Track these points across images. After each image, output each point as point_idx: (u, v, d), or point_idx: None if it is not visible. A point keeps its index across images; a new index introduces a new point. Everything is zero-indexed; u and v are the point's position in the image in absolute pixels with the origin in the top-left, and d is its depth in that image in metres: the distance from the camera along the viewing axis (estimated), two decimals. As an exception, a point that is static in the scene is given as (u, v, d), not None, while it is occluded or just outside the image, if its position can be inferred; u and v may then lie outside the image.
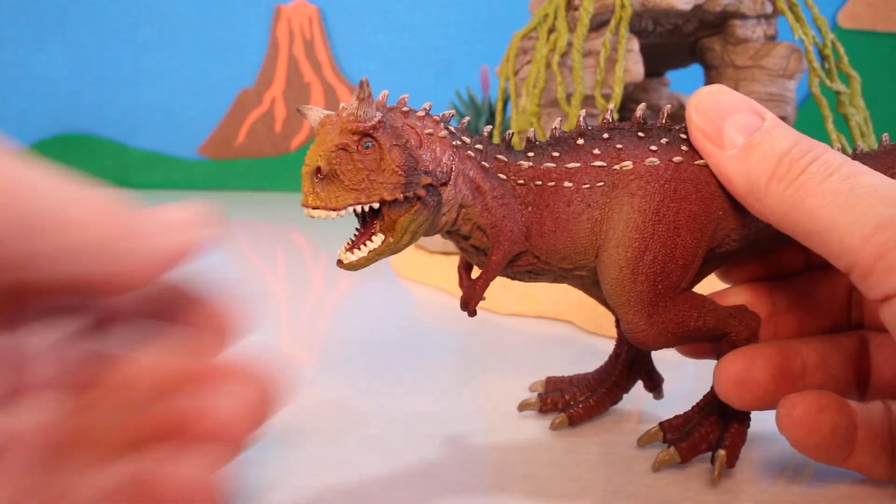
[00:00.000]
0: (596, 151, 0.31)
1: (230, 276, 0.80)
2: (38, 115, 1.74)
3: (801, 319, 0.34)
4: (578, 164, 0.31)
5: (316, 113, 0.30)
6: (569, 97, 0.65)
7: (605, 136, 0.31)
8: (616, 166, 0.31)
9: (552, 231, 0.31)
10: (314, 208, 0.28)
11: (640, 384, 0.40)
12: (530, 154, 0.32)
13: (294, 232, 1.11)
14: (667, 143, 0.31)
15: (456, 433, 0.37)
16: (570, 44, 0.65)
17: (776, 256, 0.35)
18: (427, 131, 0.30)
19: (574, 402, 0.39)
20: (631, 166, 0.30)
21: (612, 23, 0.61)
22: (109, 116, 1.75)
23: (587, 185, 0.31)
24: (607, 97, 0.63)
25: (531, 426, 0.38)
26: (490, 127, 0.32)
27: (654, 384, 0.39)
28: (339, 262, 0.29)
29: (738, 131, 0.28)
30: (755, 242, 0.32)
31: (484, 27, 1.68)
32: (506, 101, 0.81)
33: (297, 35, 1.71)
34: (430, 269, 0.72)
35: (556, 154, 0.31)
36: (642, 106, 0.32)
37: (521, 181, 0.31)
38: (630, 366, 0.39)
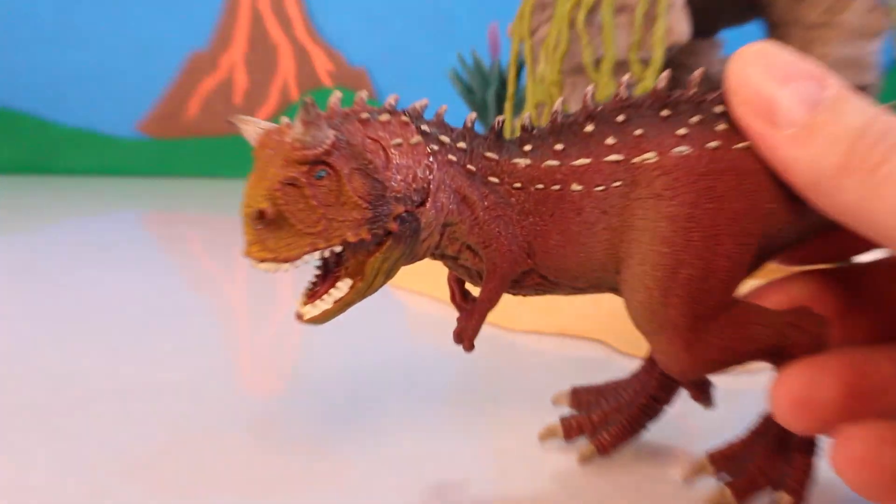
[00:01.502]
0: (609, 141, 0.30)
1: (177, 285, 0.80)
2: (-61, 84, 1.74)
3: (880, 318, 0.33)
4: (588, 161, 0.30)
5: (253, 127, 0.29)
6: (597, 62, 0.65)
7: (621, 118, 0.31)
8: (636, 159, 0.30)
9: (560, 246, 0.31)
10: (261, 261, 0.28)
11: (683, 393, 0.39)
12: (527, 148, 0.31)
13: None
14: (699, 122, 0.30)
15: (461, 481, 0.37)
16: (599, -4, 0.65)
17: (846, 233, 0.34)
18: (395, 141, 0.29)
19: (603, 424, 0.38)
20: (655, 159, 0.30)
21: (652, -30, 0.61)
22: (27, 85, 1.74)
23: (601, 187, 0.30)
24: (645, 62, 0.63)
25: (554, 462, 0.38)
26: (474, 115, 0.32)
27: (701, 391, 0.38)
28: (299, 317, 0.29)
29: (797, 104, 0.27)
30: (817, 230, 0.32)
31: (492, -25, 1.68)
32: (520, 68, 0.81)
33: (260, -15, 1.70)
34: (426, 275, 0.71)
35: (559, 147, 0.31)
36: (664, 75, 0.31)
37: (518, 184, 0.31)
38: None
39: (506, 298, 0.60)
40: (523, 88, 0.88)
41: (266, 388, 0.50)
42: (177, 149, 1.74)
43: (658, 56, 0.61)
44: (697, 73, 0.31)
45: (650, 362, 0.39)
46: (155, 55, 1.74)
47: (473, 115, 0.32)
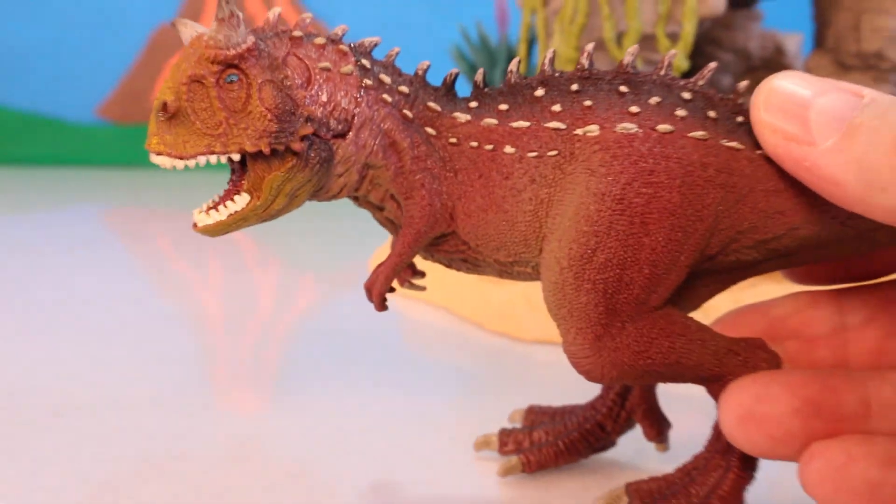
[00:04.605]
0: (556, 108, 0.32)
1: (144, 288, 0.81)
2: None
3: (884, 342, 0.34)
4: (528, 124, 0.32)
5: (190, 30, 0.32)
6: (620, 37, 0.65)
7: (575, 87, 0.32)
8: (578, 131, 0.32)
9: (482, 210, 0.33)
10: (157, 154, 0.31)
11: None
12: (473, 104, 0.33)
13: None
14: (658, 104, 0.31)
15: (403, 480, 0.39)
16: (622, -38, 0.65)
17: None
18: (322, 64, 0.32)
19: (538, 443, 0.40)
20: (597, 132, 0.31)
21: (682, -68, 0.61)
22: (-25, 64, 1.73)
23: (534, 153, 0.32)
24: (674, 38, 0.63)
25: (483, 473, 0.40)
26: (427, 63, 0.34)
27: (657, 430, 0.39)
28: (194, 226, 0.32)
29: (831, 117, 0.28)
30: (802, 248, 0.32)
31: (499, -61, 1.68)
32: (531, 43, 0.81)
33: (237, -50, 1.70)
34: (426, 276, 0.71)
35: (503, 107, 0.33)
36: (632, 49, 0.32)
37: (454, 139, 0.33)
38: (621, 401, 0.39)
39: (516, 302, 0.63)
40: (535, 67, 0.87)
41: (245, 404, 0.51)
42: (142, 136, 1.74)
43: (689, 30, 0.61)
44: (668, 56, 0.32)
45: (605, 387, 0.40)
46: (117, 30, 1.73)
47: (426, 63, 0.34)
